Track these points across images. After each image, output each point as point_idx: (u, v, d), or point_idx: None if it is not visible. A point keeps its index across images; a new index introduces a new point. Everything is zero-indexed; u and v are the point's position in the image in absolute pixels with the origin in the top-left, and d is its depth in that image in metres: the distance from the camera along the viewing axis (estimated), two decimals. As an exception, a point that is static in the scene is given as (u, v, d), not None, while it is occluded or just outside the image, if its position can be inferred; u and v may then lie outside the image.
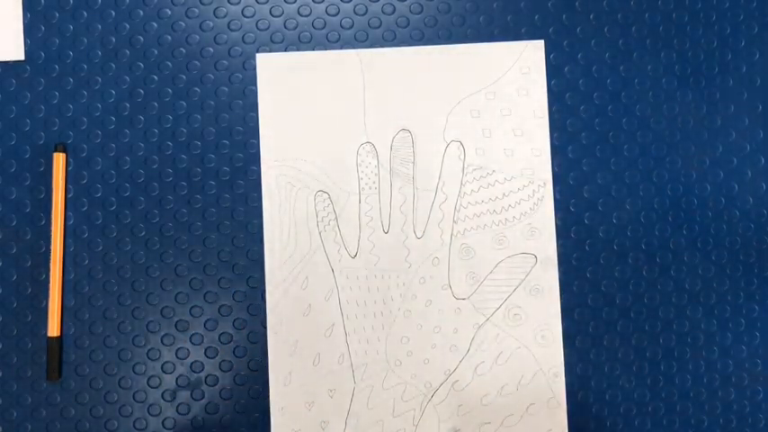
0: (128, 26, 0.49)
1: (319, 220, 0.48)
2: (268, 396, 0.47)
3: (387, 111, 0.49)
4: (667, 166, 0.49)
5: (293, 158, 0.49)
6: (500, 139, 0.49)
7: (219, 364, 0.48)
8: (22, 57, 0.49)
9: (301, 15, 0.50)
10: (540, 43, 0.50)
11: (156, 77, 0.49)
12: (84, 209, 0.49)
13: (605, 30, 0.50)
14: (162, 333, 0.47)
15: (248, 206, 0.49)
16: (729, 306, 0.49)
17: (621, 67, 0.50)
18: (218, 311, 0.48)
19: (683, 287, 0.49)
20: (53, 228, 0.48)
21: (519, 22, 0.50)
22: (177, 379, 0.48)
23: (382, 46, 0.50)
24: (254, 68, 0.49)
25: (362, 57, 0.49)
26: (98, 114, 0.49)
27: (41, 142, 0.49)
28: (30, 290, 0.48)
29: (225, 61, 0.49)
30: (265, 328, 0.48)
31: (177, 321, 0.48)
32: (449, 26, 0.50)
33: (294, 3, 0.50)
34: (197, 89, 0.49)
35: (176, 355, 0.48)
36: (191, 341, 0.48)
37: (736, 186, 0.49)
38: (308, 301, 0.48)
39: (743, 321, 0.49)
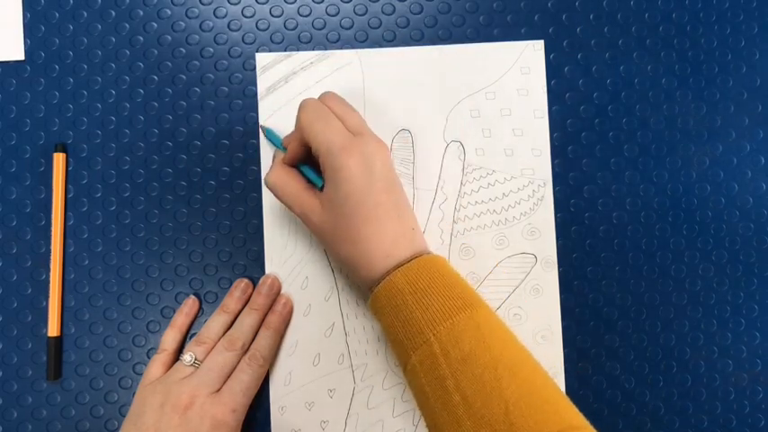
0: (128, 26, 0.49)
1: (319, 220, 0.48)
2: (268, 396, 0.47)
3: (387, 111, 0.49)
4: (667, 166, 0.49)
5: (293, 158, 0.49)
6: (500, 139, 0.49)
7: (219, 364, 0.48)
8: (22, 57, 0.49)
9: (301, 15, 0.50)
10: (540, 43, 0.50)
11: (156, 77, 0.49)
12: (84, 209, 0.49)
13: (605, 30, 0.50)
14: (161, 333, 0.47)
15: (248, 206, 0.49)
16: (729, 306, 0.49)
17: (621, 67, 0.50)
18: (218, 311, 0.48)
19: (683, 287, 0.49)
20: (53, 228, 0.48)
21: (519, 22, 0.50)
22: (177, 379, 0.48)
23: (382, 46, 0.50)
24: (254, 68, 0.49)
25: (362, 57, 0.49)
26: (98, 114, 0.49)
27: (41, 142, 0.49)
28: (30, 290, 0.48)
29: (225, 61, 0.49)
30: (265, 328, 0.48)
31: (177, 321, 0.48)
32: (449, 26, 0.50)
33: (294, 3, 0.50)
34: (197, 89, 0.49)
35: (176, 355, 0.48)
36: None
37: (736, 186, 0.49)
38: (308, 301, 0.48)
39: (743, 321, 0.49)
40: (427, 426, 0.40)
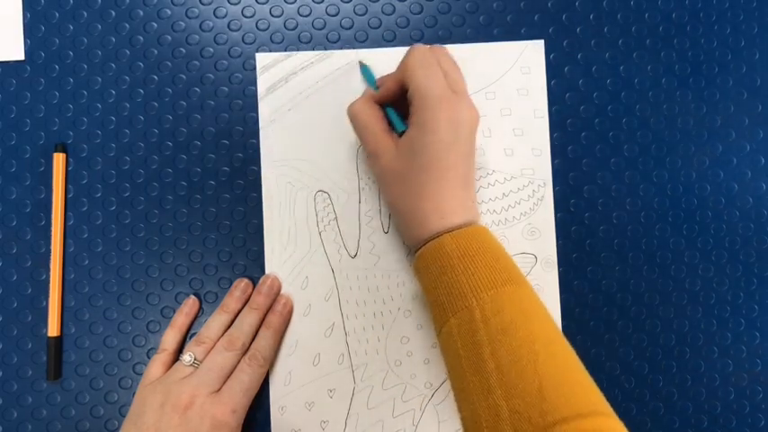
0: (128, 26, 0.49)
1: (319, 220, 0.48)
2: (268, 396, 0.47)
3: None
4: (667, 166, 0.49)
5: (293, 158, 0.49)
6: (500, 139, 0.49)
7: (219, 364, 0.48)
8: (22, 57, 0.49)
9: (301, 15, 0.50)
10: (540, 43, 0.50)
11: (156, 77, 0.49)
12: (84, 209, 0.49)
13: (605, 30, 0.50)
14: (161, 333, 0.47)
15: (248, 206, 0.49)
16: (729, 306, 0.49)
17: (621, 67, 0.50)
18: (218, 311, 0.48)
19: (683, 287, 0.49)
20: (53, 228, 0.48)
21: (519, 22, 0.50)
22: (177, 379, 0.48)
23: (382, 46, 0.50)
24: (254, 68, 0.49)
25: (362, 57, 0.49)
26: (98, 114, 0.49)
27: (41, 142, 0.49)
28: (30, 290, 0.48)
29: (225, 61, 0.49)
30: (265, 328, 0.48)
31: (177, 321, 0.48)
32: (449, 26, 0.50)
33: (294, 3, 0.50)
34: (197, 89, 0.49)
35: (176, 355, 0.48)
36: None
37: (736, 186, 0.49)
38: (308, 301, 0.48)
39: (743, 321, 0.49)
40: (453, 389, 0.40)
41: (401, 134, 0.42)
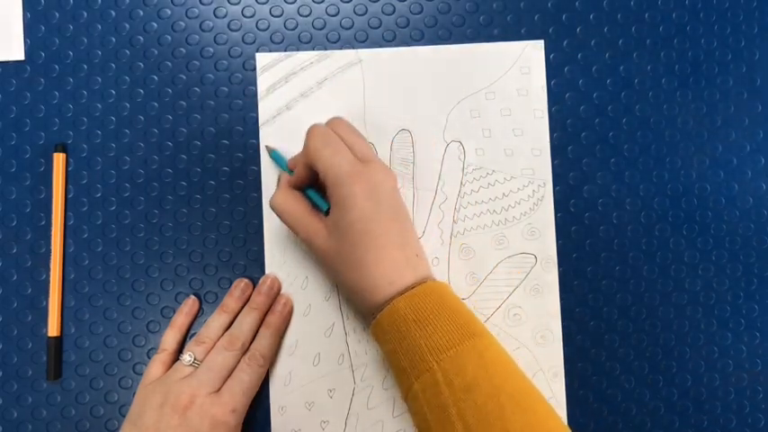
0: (128, 26, 0.49)
1: (319, 220, 0.48)
2: (268, 396, 0.47)
3: (387, 111, 0.49)
4: (667, 166, 0.49)
5: (293, 158, 0.49)
6: (500, 139, 0.49)
7: (219, 364, 0.48)
8: (22, 57, 0.49)
9: (301, 15, 0.50)
10: (540, 43, 0.50)
11: (156, 77, 0.49)
12: (84, 209, 0.49)
13: (605, 30, 0.50)
14: (161, 333, 0.47)
15: (248, 206, 0.49)
16: (729, 306, 0.49)
17: (621, 67, 0.50)
18: (218, 311, 0.48)
19: (683, 287, 0.49)
20: (53, 228, 0.48)
21: (519, 22, 0.50)
22: (177, 379, 0.48)
23: (382, 46, 0.50)
24: (254, 68, 0.49)
25: (362, 57, 0.49)
26: (98, 114, 0.49)
27: (41, 142, 0.49)
28: (30, 290, 0.48)
29: (225, 61, 0.49)
30: (265, 328, 0.48)
31: (177, 321, 0.48)
32: (449, 26, 0.50)
33: (294, 3, 0.50)
34: (197, 89, 0.49)
35: (176, 355, 0.48)
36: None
37: (736, 186, 0.49)
38: (308, 301, 0.48)
39: (743, 321, 0.49)
40: None
41: (326, 212, 0.43)
